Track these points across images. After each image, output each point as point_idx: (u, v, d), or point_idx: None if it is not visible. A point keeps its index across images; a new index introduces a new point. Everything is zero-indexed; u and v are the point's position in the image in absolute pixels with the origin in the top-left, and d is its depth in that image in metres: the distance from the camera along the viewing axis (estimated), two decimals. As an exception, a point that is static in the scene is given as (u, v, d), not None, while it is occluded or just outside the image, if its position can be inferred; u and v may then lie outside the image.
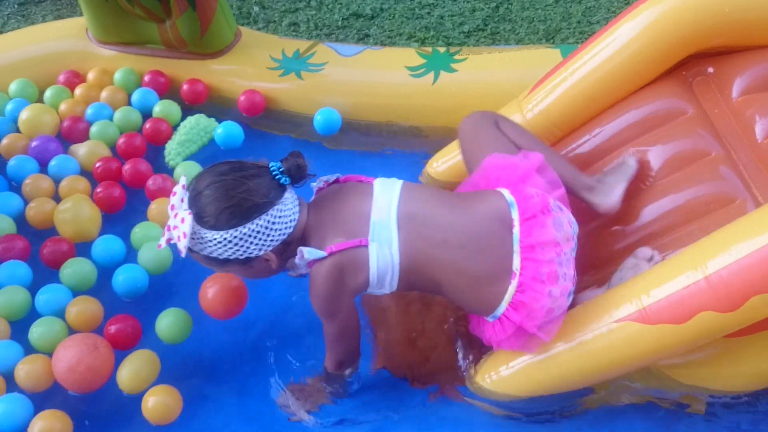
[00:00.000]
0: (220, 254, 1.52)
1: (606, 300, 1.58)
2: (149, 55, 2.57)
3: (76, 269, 1.94)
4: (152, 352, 1.78)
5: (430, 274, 1.58)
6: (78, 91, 2.49)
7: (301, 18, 3.37)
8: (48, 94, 2.46)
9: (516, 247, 1.56)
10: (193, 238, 1.51)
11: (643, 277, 1.55)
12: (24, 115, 2.35)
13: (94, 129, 2.34)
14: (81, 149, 2.28)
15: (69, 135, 2.35)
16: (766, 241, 1.38)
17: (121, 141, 2.31)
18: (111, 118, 2.41)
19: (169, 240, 1.53)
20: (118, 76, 2.54)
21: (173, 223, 1.52)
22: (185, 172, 2.20)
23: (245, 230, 1.49)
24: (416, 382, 1.84)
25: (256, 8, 3.43)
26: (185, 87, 2.50)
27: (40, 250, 2.00)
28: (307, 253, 1.54)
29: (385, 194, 1.61)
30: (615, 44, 1.90)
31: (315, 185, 1.70)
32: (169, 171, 2.29)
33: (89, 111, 2.41)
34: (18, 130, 2.37)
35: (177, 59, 2.55)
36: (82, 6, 2.51)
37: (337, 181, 1.70)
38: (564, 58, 2.12)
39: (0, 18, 3.53)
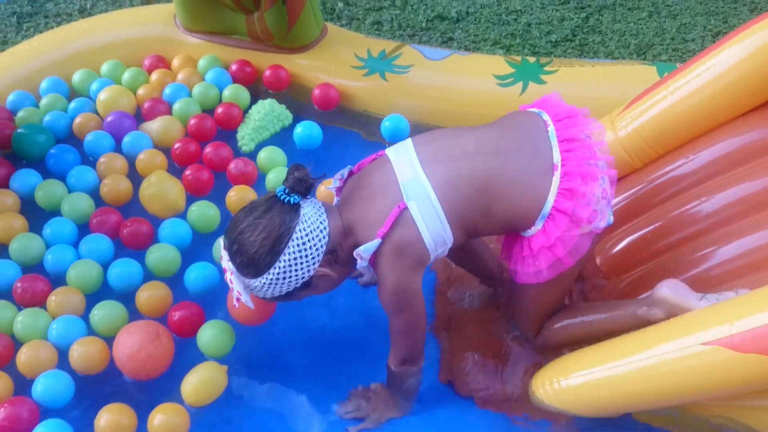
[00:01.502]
0: (280, 291, 1.54)
1: (694, 320, 1.48)
2: (234, 45, 2.57)
3: (161, 255, 1.95)
4: (221, 366, 1.75)
5: (475, 194, 1.54)
6: (154, 76, 2.51)
7: (385, 17, 3.34)
8: (126, 76, 2.49)
9: (554, 142, 1.56)
10: (251, 290, 1.55)
11: (738, 301, 1.45)
12: (102, 96, 2.37)
13: (176, 107, 2.36)
14: (154, 125, 2.30)
15: (149, 117, 2.36)
16: None
17: (192, 122, 2.31)
18: (188, 94, 2.43)
19: (237, 299, 1.58)
20: (202, 63, 2.55)
21: (229, 284, 1.57)
22: (267, 156, 2.23)
23: (281, 264, 1.49)
24: (484, 404, 1.78)
25: (340, 4, 3.42)
26: (268, 72, 2.48)
27: (120, 230, 2.02)
28: (363, 251, 1.52)
29: (402, 155, 1.59)
30: (719, 67, 1.81)
31: (332, 187, 1.69)
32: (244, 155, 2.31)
33: (167, 91, 2.43)
34: (96, 110, 2.40)
35: (262, 51, 2.54)
36: (172, -8, 2.53)
37: (351, 173, 1.68)
38: (661, 77, 2.05)
39: (90, -1, 3.61)
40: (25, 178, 2.14)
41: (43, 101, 2.40)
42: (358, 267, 1.56)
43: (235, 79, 2.50)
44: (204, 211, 2.07)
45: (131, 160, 2.22)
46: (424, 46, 2.51)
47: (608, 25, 3.21)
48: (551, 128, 1.58)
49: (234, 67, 2.52)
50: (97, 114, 2.39)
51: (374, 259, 1.54)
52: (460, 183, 1.53)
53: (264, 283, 1.51)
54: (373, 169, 1.61)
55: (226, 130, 2.38)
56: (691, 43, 3.06)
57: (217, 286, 1.93)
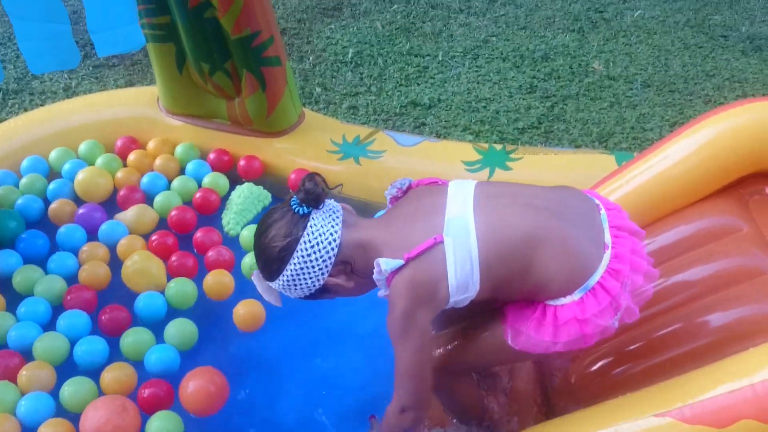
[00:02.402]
0: (298, 295, 1.58)
1: (648, 393, 1.55)
2: (215, 129, 2.67)
3: (137, 338, 1.99)
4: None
5: (519, 244, 1.49)
6: (132, 156, 2.58)
7: (361, 102, 3.47)
8: (99, 161, 2.55)
9: (605, 225, 1.56)
10: (276, 289, 1.60)
11: (689, 376, 1.53)
12: (80, 176, 2.44)
13: (157, 199, 2.42)
14: (128, 214, 2.35)
15: (125, 205, 2.42)
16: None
17: (173, 214, 2.36)
18: (166, 187, 2.50)
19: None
20: (179, 150, 2.63)
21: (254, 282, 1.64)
22: (250, 235, 2.30)
23: (288, 272, 1.53)
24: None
25: (318, 89, 3.55)
26: (242, 162, 2.58)
27: (98, 316, 2.05)
28: (384, 264, 1.49)
29: (460, 191, 1.57)
30: (673, 158, 1.94)
31: (388, 194, 1.69)
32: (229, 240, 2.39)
33: (145, 180, 2.49)
34: (74, 191, 2.46)
35: (241, 135, 2.64)
36: (157, 77, 2.63)
37: (410, 187, 1.68)
38: (619, 165, 2.16)
39: (75, 78, 3.71)
40: (5, 258, 2.17)
41: (23, 181, 2.46)
42: (376, 278, 1.53)
43: (214, 167, 2.58)
44: (182, 288, 2.12)
45: (108, 248, 2.27)
46: (396, 133, 2.63)
47: (572, 114, 3.36)
48: (603, 212, 1.58)
49: (212, 156, 2.61)
50: (75, 195, 2.44)
51: (391, 279, 1.51)
52: (507, 230, 1.50)
53: (279, 285, 1.57)
54: (427, 194, 1.61)
55: (203, 215, 2.45)
56: (650, 132, 3.21)
57: (176, 371, 1.95)
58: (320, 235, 1.51)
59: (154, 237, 2.28)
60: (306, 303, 1.63)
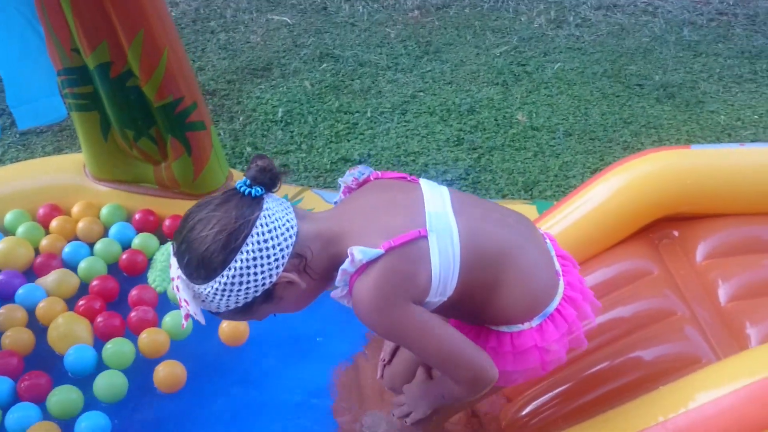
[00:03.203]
0: (236, 302, 1.31)
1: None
2: (143, 193, 2.67)
3: (62, 397, 1.95)
4: None
5: (493, 256, 1.42)
6: (54, 223, 2.54)
7: (292, 160, 3.51)
8: (20, 230, 2.50)
9: (553, 253, 1.56)
10: (201, 300, 1.33)
11: (605, 416, 1.59)
12: None
13: (81, 265, 2.38)
14: (48, 279, 2.31)
15: (42, 272, 2.37)
16: (721, 394, 1.43)
17: (94, 283, 2.31)
18: (89, 253, 2.45)
19: (186, 315, 1.32)
20: (105, 211, 2.61)
21: (177, 294, 1.34)
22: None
23: (238, 264, 1.26)
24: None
25: (249, 149, 3.58)
26: (167, 222, 2.56)
27: (18, 383, 2.01)
28: (361, 253, 1.29)
29: (436, 191, 1.47)
30: (586, 206, 2.04)
31: (342, 182, 1.54)
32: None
33: (66, 249, 2.45)
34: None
35: (169, 198, 2.65)
36: (82, 144, 2.63)
37: (368, 179, 1.52)
38: (540, 214, 2.24)
39: (1, 146, 3.66)
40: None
41: None
42: (343, 269, 1.33)
43: (139, 228, 2.56)
44: (119, 349, 2.09)
45: (26, 311, 2.22)
46: (324, 191, 2.68)
47: (498, 164, 3.45)
48: (548, 241, 1.59)
49: (137, 216, 2.59)
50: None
51: (361, 272, 1.33)
52: (485, 240, 1.42)
53: (216, 290, 1.28)
54: (397, 187, 1.48)
55: (131, 276, 2.42)
56: (573, 180, 3.32)
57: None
58: (277, 219, 1.29)
59: (81, 302, 2.23)
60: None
